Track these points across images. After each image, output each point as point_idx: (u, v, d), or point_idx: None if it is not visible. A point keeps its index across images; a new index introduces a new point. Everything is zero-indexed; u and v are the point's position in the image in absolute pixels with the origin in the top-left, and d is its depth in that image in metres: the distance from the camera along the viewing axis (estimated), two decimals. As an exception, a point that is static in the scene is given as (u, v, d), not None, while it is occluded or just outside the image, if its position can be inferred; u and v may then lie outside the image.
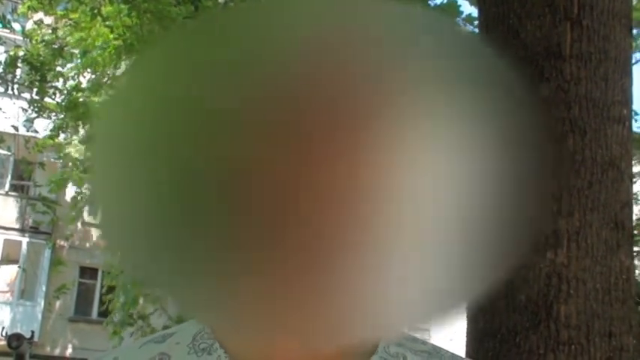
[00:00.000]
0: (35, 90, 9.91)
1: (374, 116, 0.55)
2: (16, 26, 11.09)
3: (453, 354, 0.84)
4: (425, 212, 0.57)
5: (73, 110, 9.07)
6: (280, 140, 0.55)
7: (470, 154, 0.57)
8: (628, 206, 1.86)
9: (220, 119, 0.56)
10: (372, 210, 0.56)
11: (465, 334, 1.96)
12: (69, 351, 17.53)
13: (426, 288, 0.59)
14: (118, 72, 8.36)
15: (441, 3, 4.24)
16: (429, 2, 4.23)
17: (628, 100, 1.94)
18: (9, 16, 10.69)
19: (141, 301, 10.50)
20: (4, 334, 15.38)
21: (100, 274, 16.32)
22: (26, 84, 10.38)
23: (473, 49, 0.59)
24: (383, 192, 0.56)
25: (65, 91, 9.61)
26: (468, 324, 1.97)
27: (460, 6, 4.17)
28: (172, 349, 0.79)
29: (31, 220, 17.48)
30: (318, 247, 0.56)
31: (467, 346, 1.96)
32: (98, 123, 0.62)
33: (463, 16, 4.17)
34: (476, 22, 4.09)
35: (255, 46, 0.55)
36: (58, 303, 16.72)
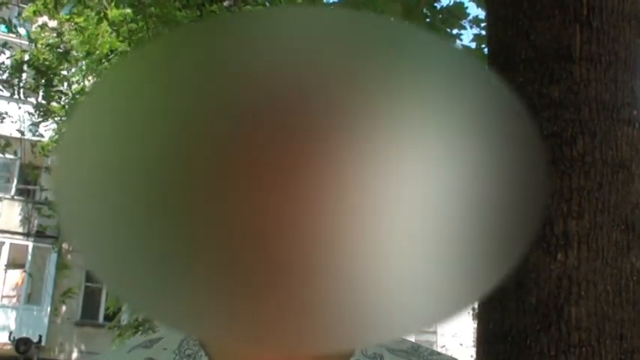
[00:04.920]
0: (41, 94, 9.94)
1: (357, 121, 0.54)
2: (22, 31, 11.14)
3: (432, 350, 0.84)
4: (413, 216, 0.56)
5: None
6: (259, 144, 0.54)
7: (458, 154, 0.56)
8: (638, 208, 1.85)
9: (195, 121, 0.55)
10: (356, 214, 0.55)
11: (471, 333, 1.95)
12: (75, 355, 17.57)
13: (418, 294, 0.57)
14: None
15: (447, 5, 4.23)
16: (435, 5, 4.22)
17: (637, 102, 1.93)
18: (14, 21, 10.73)
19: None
20: (11, 338, 15.43)
21: (105, 277, 16.28)
22: (32, 88, 10.42)
23: (460, 63, 0.58)
24: (365, 196, 0.55)
25: (70, 95, 9.63)
26: (478, 326, 1.97)
27: (467, 8, 4.16)
28: (159, 354, 0.80)
29: (36, 224, 17.53)
30: (301, 253, 0.55)
31: (477, 347, 1.96)
32: (71, 122, 0.60)
33: (470, 17, 4.17)
34: (483, 25, 4.09)
35: (226, 58, 0.55)
36: (64, 307, 16.79)
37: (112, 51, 7.88)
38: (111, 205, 0.57)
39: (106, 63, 8.26)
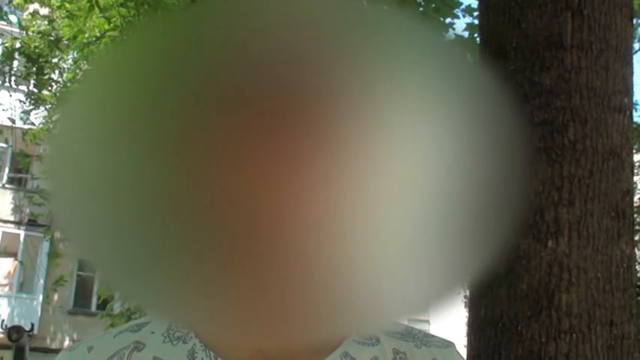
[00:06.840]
0: (32, 82, 9.90)
1: (346, 110, 0.55)
2: (13, 18, 11.07)
3: (426, 333, 0.85)
4: (403, 204, 0.56)
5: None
6: (247, 140, 0.54)
7: (446, 140, 0.57)
8: (629, 195, 1.86)
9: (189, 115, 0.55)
10: (347, 203, 0.55)
11: (465, 323, 1.95)
12: (67, 343, 17.54)
13: (411, 278, 0.58)
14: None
15: (440, -6, 4.22)
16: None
17: (628, 90, 1.94)
18: (5, 8, 10.66)
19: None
20: (3, 326, 15.41)
21: (98, 266, 16.25)
22: (23, 76, 10.37)
23: (450, 53, 0.59)
24: (355, 183, 0.55)
25: (62, 83, 9.59)
26: (469, 313, 1.97)
27: (459, -4, 4.16)
28: (147, 338, 0.80)
29: (28, 213, 17.47)
30: (293, 244, 0.55)
31: (468, 334, 1.97)
32: (65, 114, 0.61)
33: (462, 7, 4.16)
34: (476, 14, 4.08)
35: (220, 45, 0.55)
36: (56, 295, 16.75)
37: (101, 35, 7.80)
38: (104, 193, 0.57)
39: (93, 47, 8.17)
